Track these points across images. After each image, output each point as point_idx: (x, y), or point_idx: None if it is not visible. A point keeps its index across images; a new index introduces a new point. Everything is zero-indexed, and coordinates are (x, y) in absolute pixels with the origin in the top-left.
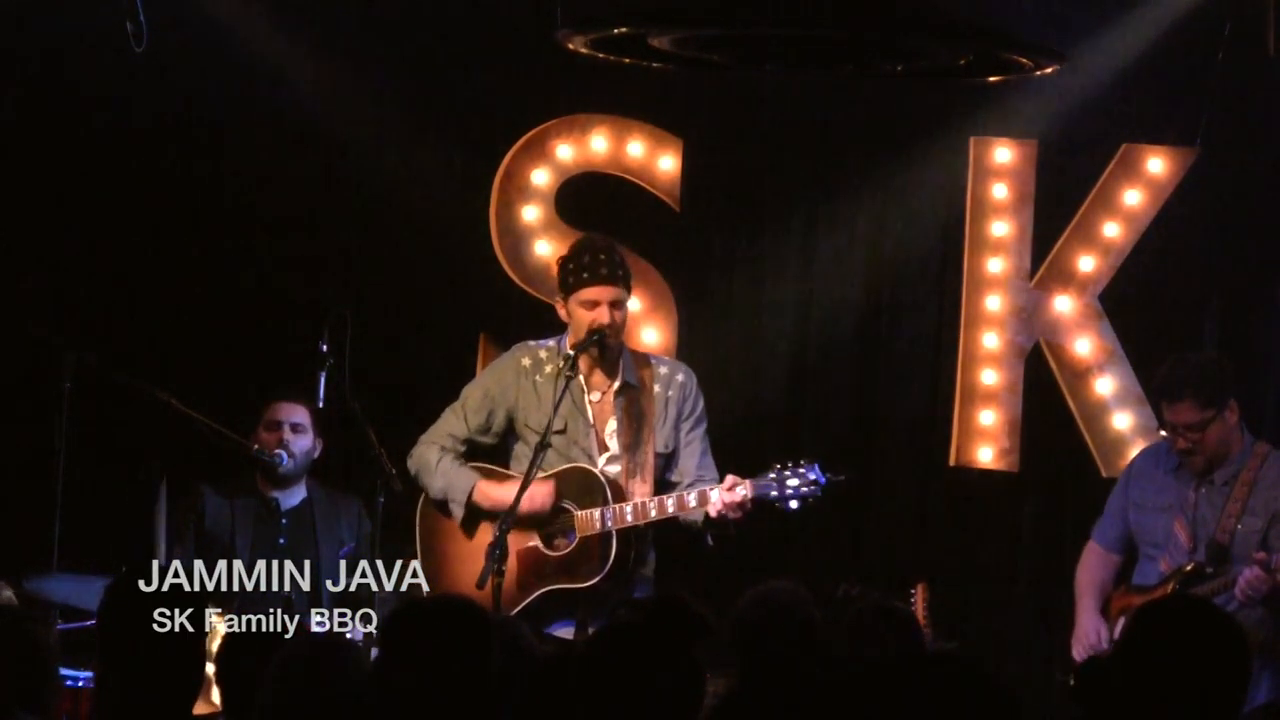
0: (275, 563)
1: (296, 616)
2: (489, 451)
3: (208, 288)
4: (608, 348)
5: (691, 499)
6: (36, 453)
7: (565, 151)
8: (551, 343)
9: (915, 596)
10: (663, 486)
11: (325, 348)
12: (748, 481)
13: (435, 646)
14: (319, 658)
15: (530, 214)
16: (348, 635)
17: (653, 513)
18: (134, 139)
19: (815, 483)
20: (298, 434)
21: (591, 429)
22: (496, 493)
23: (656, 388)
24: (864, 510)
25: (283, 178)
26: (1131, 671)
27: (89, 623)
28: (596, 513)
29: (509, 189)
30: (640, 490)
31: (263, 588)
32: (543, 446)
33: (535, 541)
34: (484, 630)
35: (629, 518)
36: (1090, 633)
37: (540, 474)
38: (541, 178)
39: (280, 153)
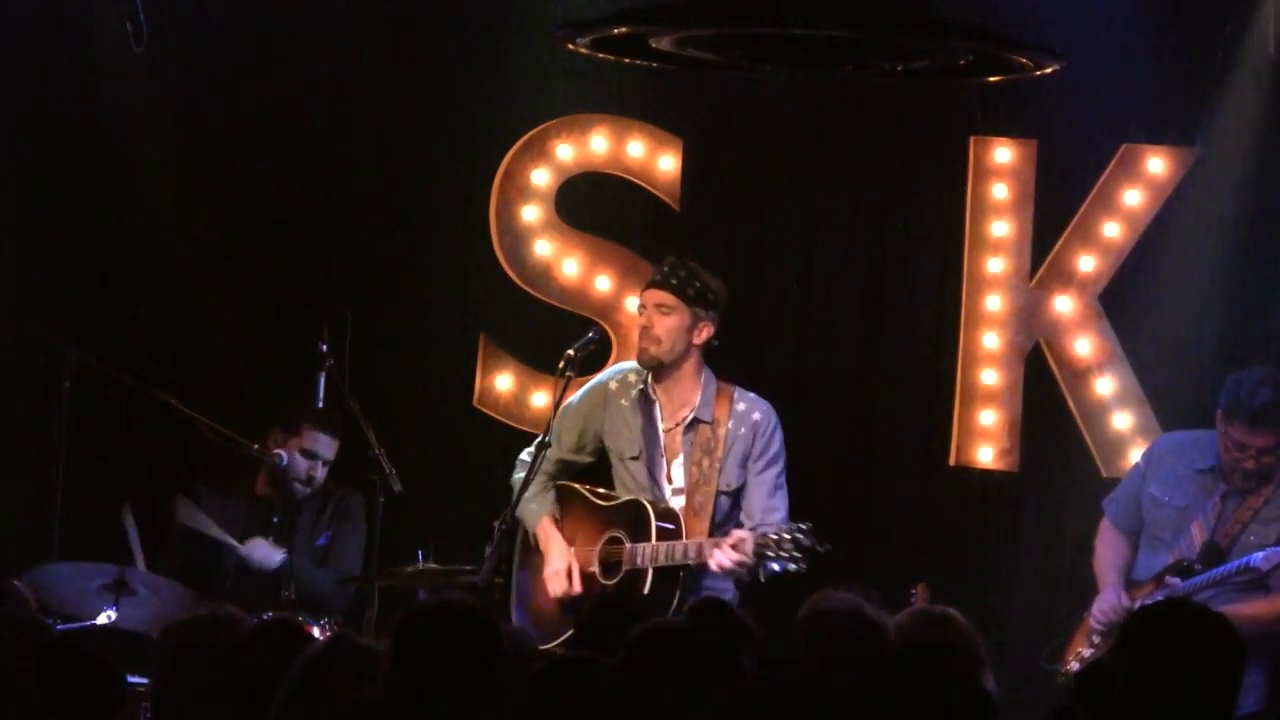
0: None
1: (303, 619)
2: (588, 470)
3: (208, 287)
4: (650, 359)
5: (707, 548)
6: (36, 453)
7: (565, 151)
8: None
9: (915, 597)
10: (730, 523)
11: (325, 348)
12: (750, 538)
13: (445, 650)
14: (334, 661)
15: (530, 214)
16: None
17: (678, 556)
18: (134, 139)
19: (806, 550)
20: (325, 468)
21: (663, 458)
22: (548, 545)
23: (730, 424)
24: (864, 510)
25: (282, 177)
26: (1126, 675)
27: (88, 623)
28: (638, 549)
29: (509, 189)
30: (699, 528)
31: (258, 585)
32: (543, 446)
33: (594, 568)
34: (493, 634)
35: (662, 558)
36: (1114, 598)
37: (612, 502)
38: (541, 178)
39: (280, 152)
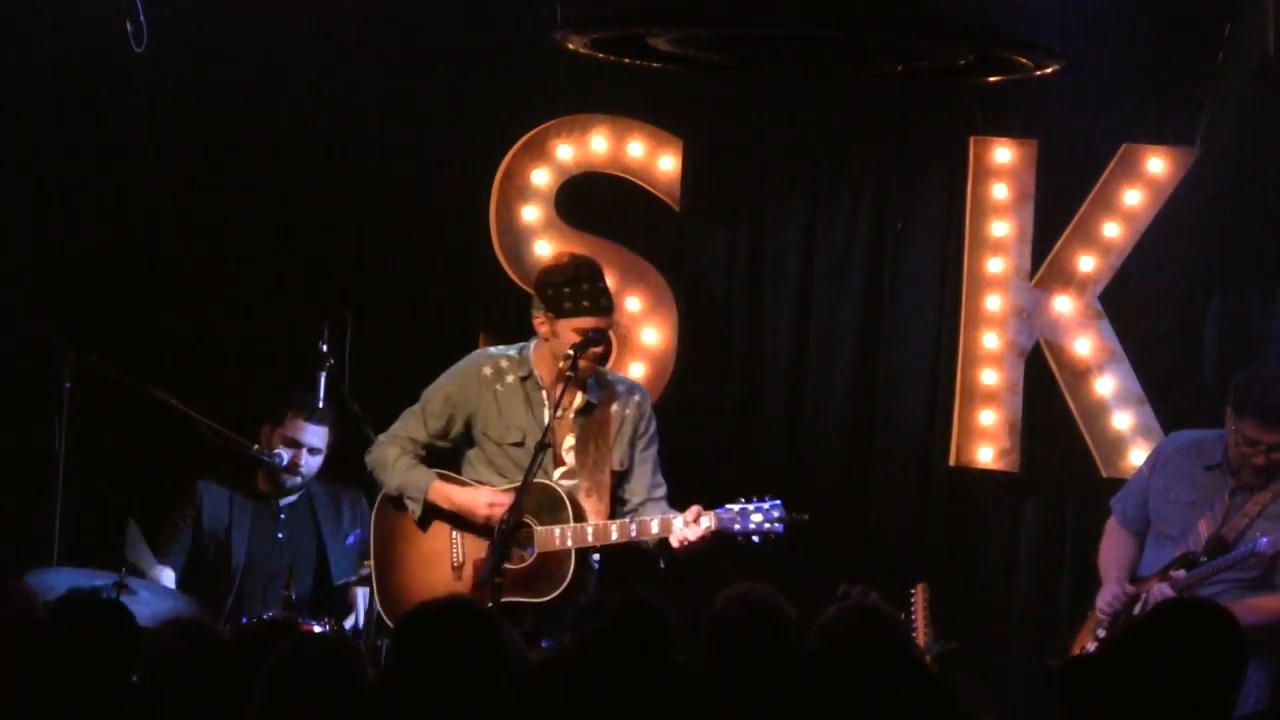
0: (272, 558)
1: (300, 616)
2: (444, 456)
3: (208, 287)
4: (587, 369)
5: (655, 526)
6: (36, 453)
7: (565, 151)
8: (513, 352)
9: (915, 596)
10: (615, 503)
11: (325, 348)
12: (711, 514)
13: (446, 650)
14: (314, 659)
15: (530, 214)
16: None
17: (614, 535)
18: (134, 139)
19: (780, 519)
20: (314, 455)
21: (549, 444)
22: (455, 494)
23: (614, 406)
24: (864, 510)
25: (282, 178)
26: (1129, 670)
27: None
28: (558, 530)
29: (509, 189)
30: (595, 508)
31: (260, 583)
32: (542, 447)
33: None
34: (493, 634)
35: (590, 538)
36: (1117, 589)
37: (504, 487)
38: (541, 178)
39: (280, 153)
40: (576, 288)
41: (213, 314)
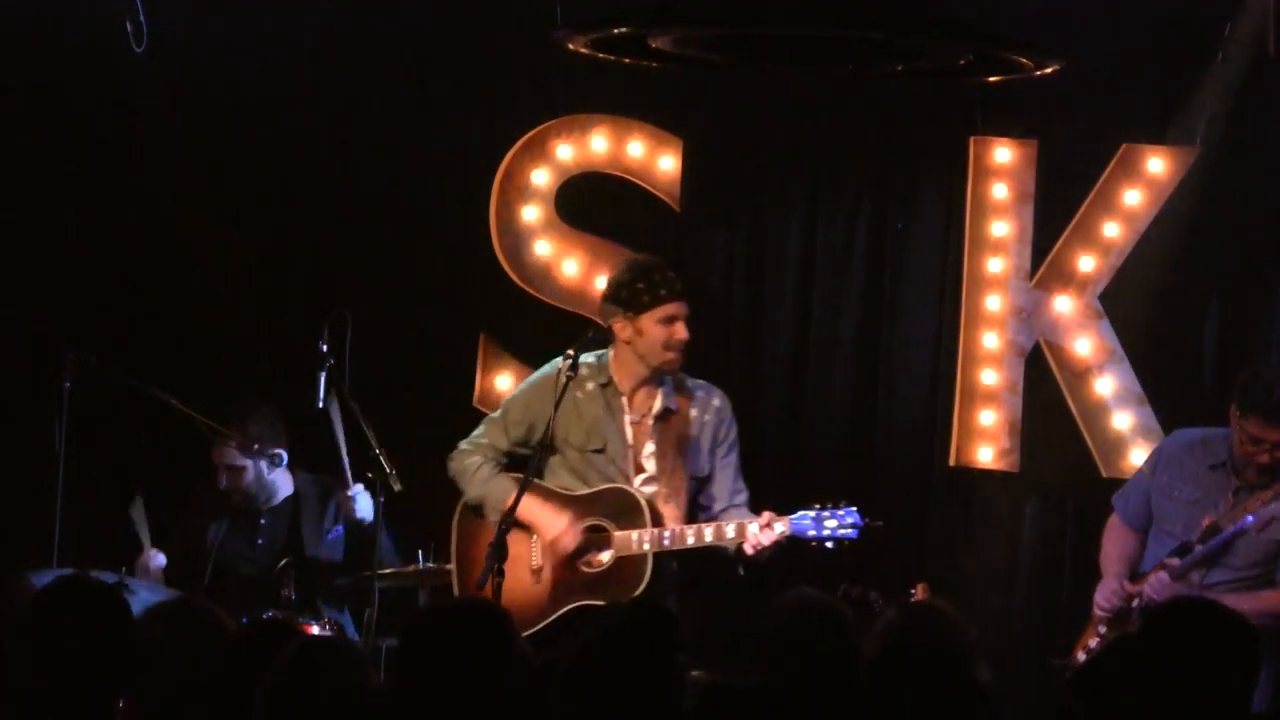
0: (251, 563)
1: (302, 620)
2: (526, 461)
3: (208, 287)
4: (678, 366)
5: (730, 530)
6: (36, 453)
7: (565, 151)
8: (592, 359)
9: (915, 597)
10: (694, 509)
11: (325, 348)
12: (785, 519)
13: (455, 650)
14: (316, 661)
15: (530, 214)
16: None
17: (690, 540)
18: (134, 139)
19: (854, 525)
20: (243, 472)
21: (630, 449)
22: (534, 508)
23: (693, 412)
24: (864, 510)
25: (283, 177)
26: (1143, 671)
27: None
28: (635, 535)
29: (509, 189)
30: (673, 514)
31: (239, 588)
32: (543, 447)
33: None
34: (503, 633)
35: (667, 542)
36: (1115, 584)
37: (583, 490)
38: (541, 178)
39: (280, 153)
40: (649, 279)
41: (212, 313)
